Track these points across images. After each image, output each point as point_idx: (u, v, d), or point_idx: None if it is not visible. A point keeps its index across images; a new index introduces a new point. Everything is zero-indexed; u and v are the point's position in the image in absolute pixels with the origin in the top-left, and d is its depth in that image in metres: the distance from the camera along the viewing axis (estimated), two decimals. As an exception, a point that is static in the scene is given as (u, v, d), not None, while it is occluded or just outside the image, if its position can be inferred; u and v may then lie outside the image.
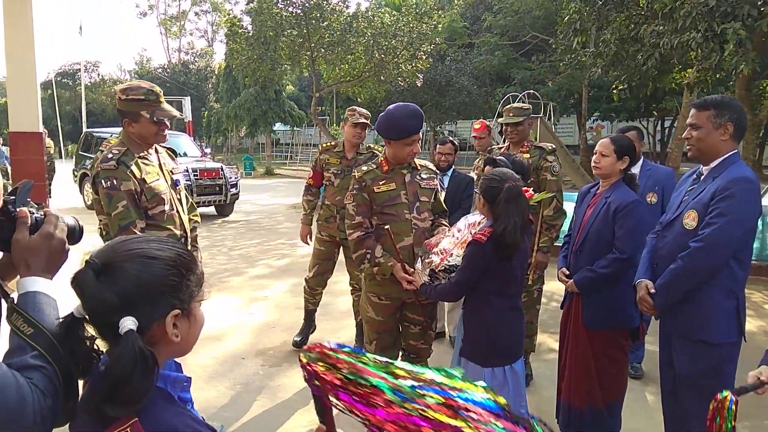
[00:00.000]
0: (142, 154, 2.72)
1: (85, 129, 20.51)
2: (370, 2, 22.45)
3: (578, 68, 11.08)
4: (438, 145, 4.56)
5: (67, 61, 46.83)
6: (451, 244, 2.65)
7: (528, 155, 3.75)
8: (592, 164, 2.93)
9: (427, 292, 2.70)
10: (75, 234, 1.28)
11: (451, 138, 4.71)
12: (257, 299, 5.94)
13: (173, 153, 3.05)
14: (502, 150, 3.95)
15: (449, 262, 2.62)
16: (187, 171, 10.75)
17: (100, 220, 2.79)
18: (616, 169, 2.84)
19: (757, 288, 6.41)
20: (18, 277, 1.16)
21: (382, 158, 2.98)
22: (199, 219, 3.16)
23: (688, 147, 2.53)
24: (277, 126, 31.99)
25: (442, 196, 3.23)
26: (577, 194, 3.23)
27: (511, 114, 3.83)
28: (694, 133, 2.46)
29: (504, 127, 3.92)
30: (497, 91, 20.06)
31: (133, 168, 2.63)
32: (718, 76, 8.28)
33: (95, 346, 1.05)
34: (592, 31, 8.94)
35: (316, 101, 15.92)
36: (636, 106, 19.82)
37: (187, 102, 20.63)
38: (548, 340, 4.70)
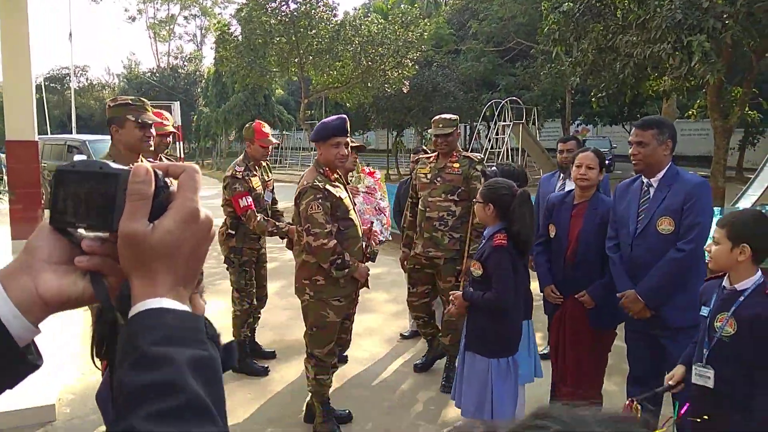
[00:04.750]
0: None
1: (73, 134, 20.66)
2: (357, 11, 22.71)
3: (558, 76, 11.42)
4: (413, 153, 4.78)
5: (55, 65, 46.79)
6: (372, 207, 3.19)
7: (457, 165, 3.84)
8: (579, 176, 3.10)
9: (473, 299, 2.83)
10: None
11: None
12: (247, 300, 6.15)
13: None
14: (431, 159, 4.01)
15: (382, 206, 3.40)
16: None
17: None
18: (597, 180, 3.14)
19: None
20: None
21: (326, 168, 3.16)
22: None
23: (635, 162, 2.82)
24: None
25: None
26: (546, 203, 3.43)
27: (440, 125, 3.85)
28: (642, 149, 2.77)
29: (435, 138, 3.95)
30: (482, 97, 20.41)
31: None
32: (692, 83, 8.62)
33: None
34: (571, 41, 9.26)
35: (305, 107, 16.16)
36: (618, 110, 20.29)
37: (176, 107, 20.70)
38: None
